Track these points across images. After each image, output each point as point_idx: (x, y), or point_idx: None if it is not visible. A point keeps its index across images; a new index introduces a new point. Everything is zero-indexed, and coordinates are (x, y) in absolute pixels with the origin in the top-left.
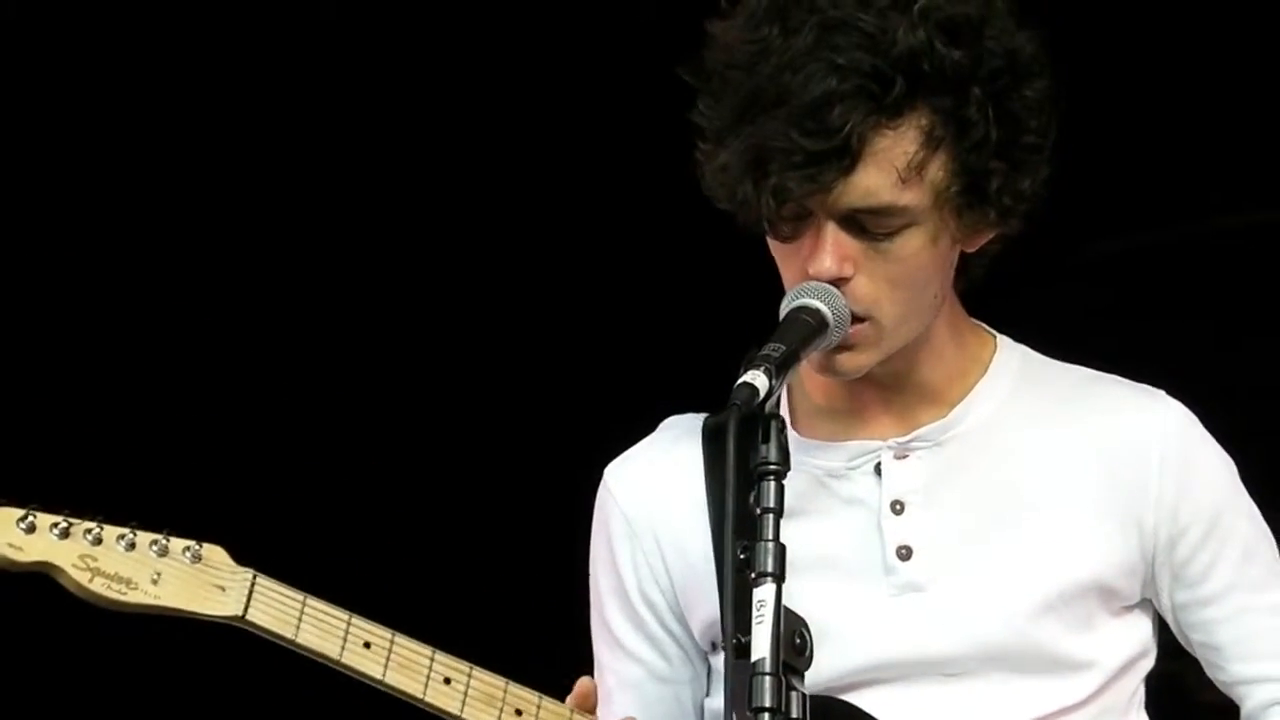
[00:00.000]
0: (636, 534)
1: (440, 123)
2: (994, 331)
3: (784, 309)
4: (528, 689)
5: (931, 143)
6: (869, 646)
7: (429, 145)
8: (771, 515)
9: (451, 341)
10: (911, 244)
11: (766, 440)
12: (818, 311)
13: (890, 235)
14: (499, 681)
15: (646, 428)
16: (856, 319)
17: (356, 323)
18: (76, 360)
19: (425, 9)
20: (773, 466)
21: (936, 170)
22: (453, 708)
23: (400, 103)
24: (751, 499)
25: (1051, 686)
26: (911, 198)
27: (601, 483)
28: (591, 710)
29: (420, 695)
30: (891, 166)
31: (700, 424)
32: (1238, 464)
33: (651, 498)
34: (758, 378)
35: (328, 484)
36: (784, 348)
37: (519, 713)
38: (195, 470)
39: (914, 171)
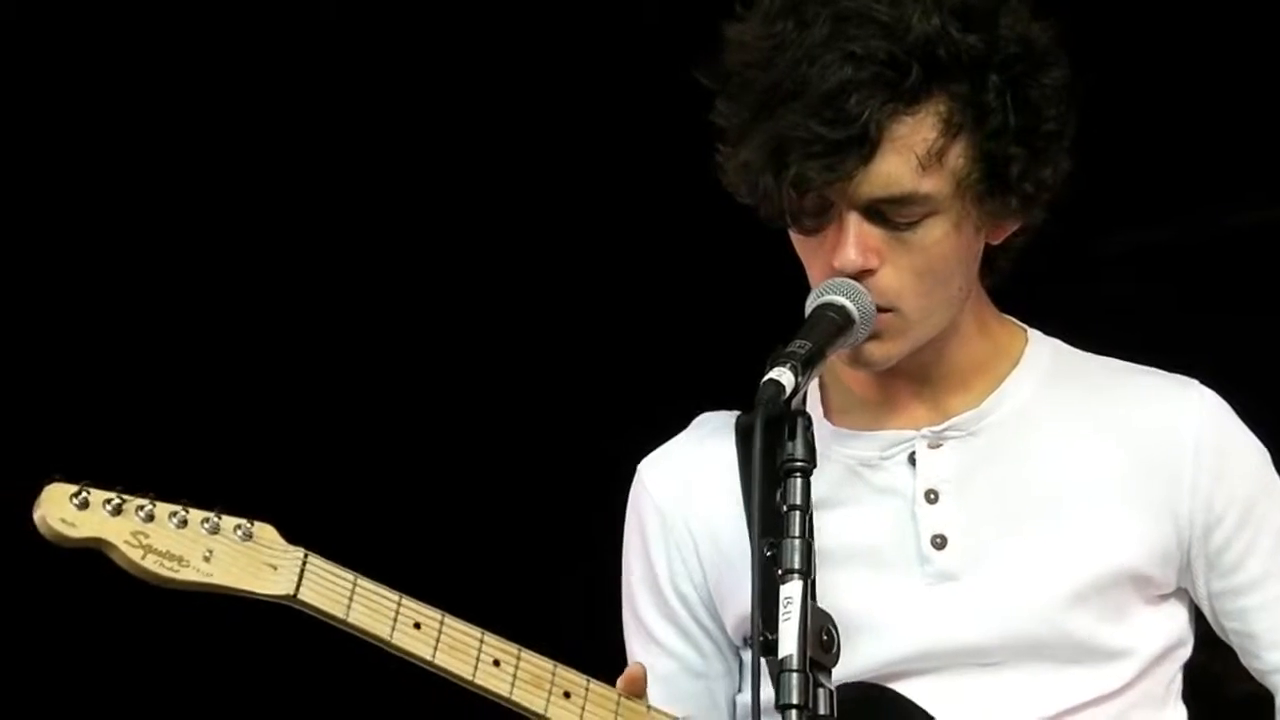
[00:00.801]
0: (670, 527)
1: (473, 122)
2: (1025, 325)
3: (809, 306)
4: (576, 672)
5: (950, 129)
6: (905, 637)
7: (446, 146)
8: (798, 512)
9: (492, 337)
10: (934, 233)
11: (793, 437)
12: (843, 308)
13: (913, 225)
14: (547, 664)
15: (681, 424)
16: (882, 309)
17: (405, 316)
18: (128, 343)
19: (426, 9)
20: (799, 463)
21: (956, 157)
22: (502, 689)
23: (403, 104)
24: (778, 496)
25: (1087, 676)
26: (932, 185)
27: (635, 477)
28: (640, 695)
29: (469, 677)
30: (911, 153)
31: (734, 421)
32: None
33: (685, 492)
34: (784, 375)
35: (374, 470)
36: (809, 345)
37: (567, 695)
38: (243, 450)
39: (934, 158)
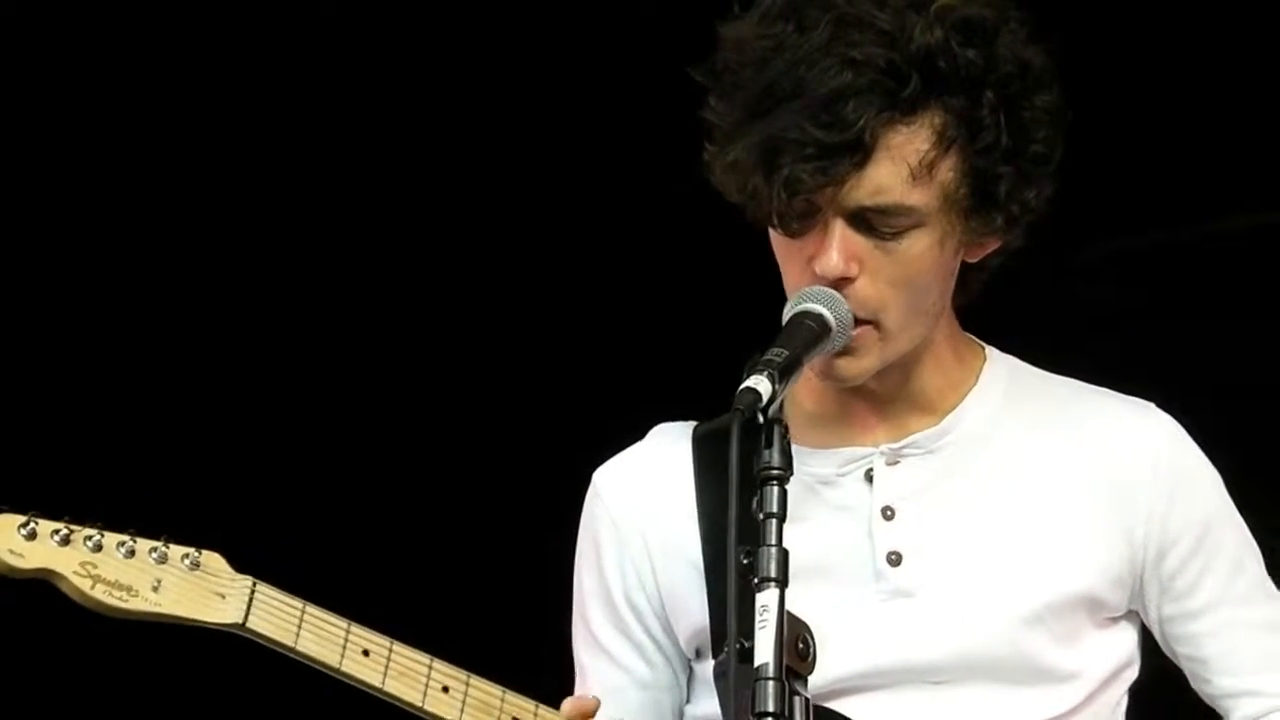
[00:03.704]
0: (624, 538)
1: (436, 123)
2: (982, 343)
3: (786, 314)
4: (525, 697)
5: (944, 142)
6: (858, 652)
7: (425, 145)
8: (775, 520)
9: (444, 348)
10: (918, 246)
11: (770, 445)
12: (820, 316)
13: (898, 235)
14: (496, 690)
15: (636, 435)
16: (860, 322)
17: (353, 329)
18: (75, 366)
19: (425, 9)
20: (776, 471)
21: (947, 171)
22: (451, 715)
23: (399, 102)
24: (754, 504)
25: (1037, 697)
26: (920, 197)
27: (590, 486)
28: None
29: (419, 703)
30: (904, 163)
31: (690, 431)
32: (1238, 467)
33: (640, 502)
34: (761, 383)
35: (321, 491)
36: (787, 353)
37: None
38: (191, 476)
39: (925, 170)
